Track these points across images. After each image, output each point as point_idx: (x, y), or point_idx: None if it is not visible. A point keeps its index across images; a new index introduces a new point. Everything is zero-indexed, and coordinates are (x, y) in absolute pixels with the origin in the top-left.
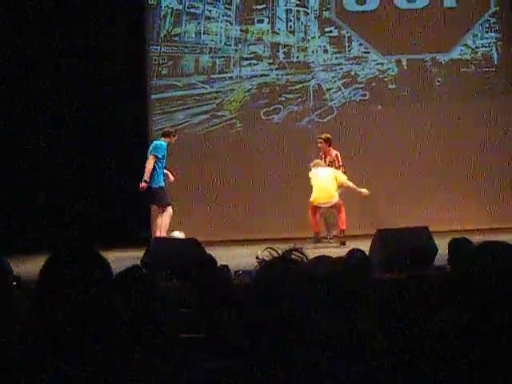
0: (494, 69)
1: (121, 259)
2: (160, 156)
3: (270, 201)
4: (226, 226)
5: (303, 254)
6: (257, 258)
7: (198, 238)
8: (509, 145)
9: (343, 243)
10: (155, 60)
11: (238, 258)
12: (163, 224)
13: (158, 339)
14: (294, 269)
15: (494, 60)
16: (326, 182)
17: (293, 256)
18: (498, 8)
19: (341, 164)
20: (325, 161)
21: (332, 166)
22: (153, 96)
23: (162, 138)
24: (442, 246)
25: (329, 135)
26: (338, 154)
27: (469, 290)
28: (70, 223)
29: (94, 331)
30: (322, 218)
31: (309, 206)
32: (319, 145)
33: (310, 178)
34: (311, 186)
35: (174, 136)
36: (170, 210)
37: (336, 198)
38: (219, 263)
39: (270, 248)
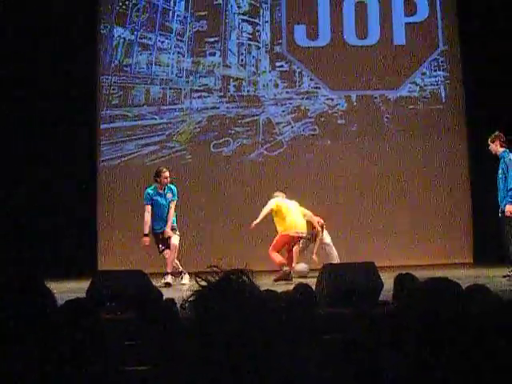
0: (441, 107)
1: (66, 290)
2: (148, 203)
3: (218, 233)
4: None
5: (249, 278)
6: (197, 276)
7: (147, 269)
8: (455, 182)
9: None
10: (106, 90)
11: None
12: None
13: (101, 372)
14: (236, 292)
15: (441, 98)
16: (294, 211)
17: (237, 278)
18: (446, 47)
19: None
20: None
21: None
22: (102, 126)
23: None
24: (390, 281)
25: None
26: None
27: (411, 327)
28: (15, 253)
29: (35, 362)
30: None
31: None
32: None
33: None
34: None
35: (159, 176)
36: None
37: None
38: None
39: (215, 267)
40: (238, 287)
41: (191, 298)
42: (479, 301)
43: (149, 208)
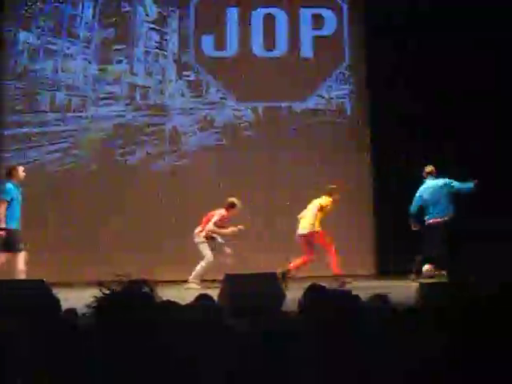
0: (346, 120)
1: None
2: (8, 199)
3: (124, 241)
4: (79, 267)
5: (151, 288)
6: (100, 285)
7: (49, 278)
8: (359, 194)
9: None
10: (10, 95)
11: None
12: (17, 270)
13: None
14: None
15: (346, 111)
16: (306, 211)
17: (140, 288)
18: (352, 61)
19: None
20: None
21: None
22: (6, 132)
23: (8, 180)
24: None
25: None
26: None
27: (315, 337)
28: None
29: None
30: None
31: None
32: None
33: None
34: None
35: (15, 171)
36: (18, 256)
37: (309, 229)
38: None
39: (120, 276)
40: (141, 297)
41: (94, 305)
42: (379, 310)
43: (5, 204)
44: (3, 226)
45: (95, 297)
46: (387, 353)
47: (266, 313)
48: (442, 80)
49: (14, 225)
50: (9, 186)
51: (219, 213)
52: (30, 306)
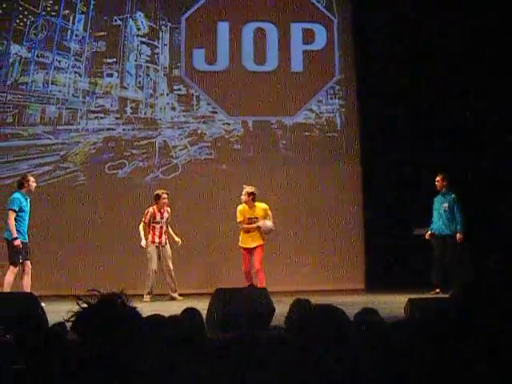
0: (336, 134)
1: None
2: (16, 209)
3: (111, 255)
4: (68, 280)
5: (124, 300)
6: (78, 299)
7: (44, 291)
8: (349, 209)
9: None
10: (1, 108)
11: None
12: (5, 281)
13: None
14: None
15: (337, 125)
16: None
17: (114, 301)
18: (342, 76)
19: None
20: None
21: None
22: None
23: (18, 190)
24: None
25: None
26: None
27: (299, 351)
28: None
29: None
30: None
31: None
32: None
33: None
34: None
35: (26, 182)
36: (12, 268)
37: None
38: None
39: (95, 290)
40: (116, 309)
41: (72, 319)
42: (368, 323)
43: (14, 214)
44: (15, 235)
45: (71, 311)
46: (375, 366)
47: (255, 326)
48: (433, 91)
49: (21, 237)
50: (17, 196)
51: (146, 211)
52: (16, 319)
